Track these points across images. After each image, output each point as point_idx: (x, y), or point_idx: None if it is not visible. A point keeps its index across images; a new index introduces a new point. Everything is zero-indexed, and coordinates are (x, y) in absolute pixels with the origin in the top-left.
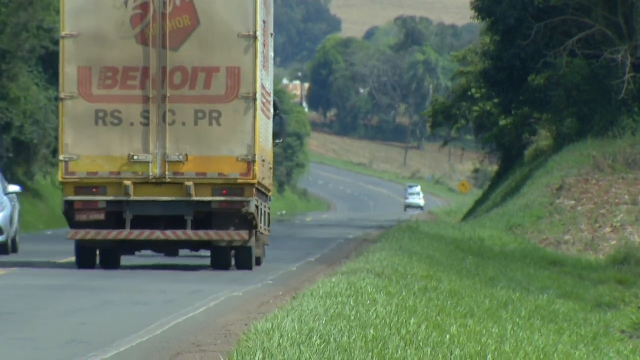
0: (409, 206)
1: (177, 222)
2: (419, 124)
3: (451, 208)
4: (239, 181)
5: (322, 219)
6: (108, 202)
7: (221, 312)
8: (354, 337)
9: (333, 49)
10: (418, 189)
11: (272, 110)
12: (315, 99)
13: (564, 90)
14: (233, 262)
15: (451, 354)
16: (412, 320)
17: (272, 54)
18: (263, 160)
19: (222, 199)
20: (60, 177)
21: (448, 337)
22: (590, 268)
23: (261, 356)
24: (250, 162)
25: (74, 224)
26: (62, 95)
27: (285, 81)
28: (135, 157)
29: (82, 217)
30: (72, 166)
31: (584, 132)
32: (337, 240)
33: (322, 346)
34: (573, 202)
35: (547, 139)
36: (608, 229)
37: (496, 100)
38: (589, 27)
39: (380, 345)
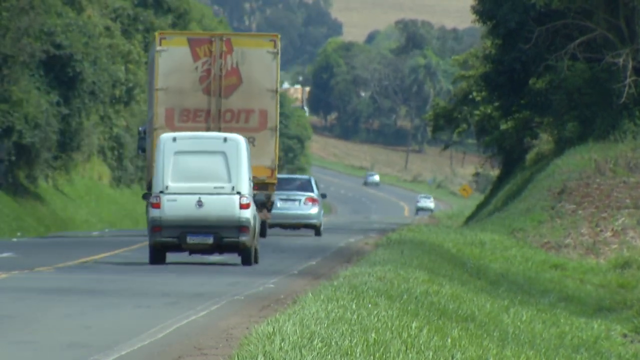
0: (420, 209)
1: None
2: (420, 127)
3: (453, 211)
4: (266, 181)
5: (324, 222)
6: None
7: (222, 316)
8: (355, 340)
9: (334, 53)
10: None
11: None
12: (316, 103)
13: (565, 93)
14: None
15: (452, 358)
16: (414, 324)
17: None
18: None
19: (255, 192)
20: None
21: (449, 340)
22: (592, 272)
23: (262, 359)
24: (273, 169)
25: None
26: (155, 126)
27: (286, 85)
28: None
29: None
30: None
31: (585, 135)
32: (339, 244)
33: (324, 350)
34: (574, 206)
35: (548, 142)
36: (609, 233)
37: (497, 104)
38: (590, 31)
39: (382, 348)
